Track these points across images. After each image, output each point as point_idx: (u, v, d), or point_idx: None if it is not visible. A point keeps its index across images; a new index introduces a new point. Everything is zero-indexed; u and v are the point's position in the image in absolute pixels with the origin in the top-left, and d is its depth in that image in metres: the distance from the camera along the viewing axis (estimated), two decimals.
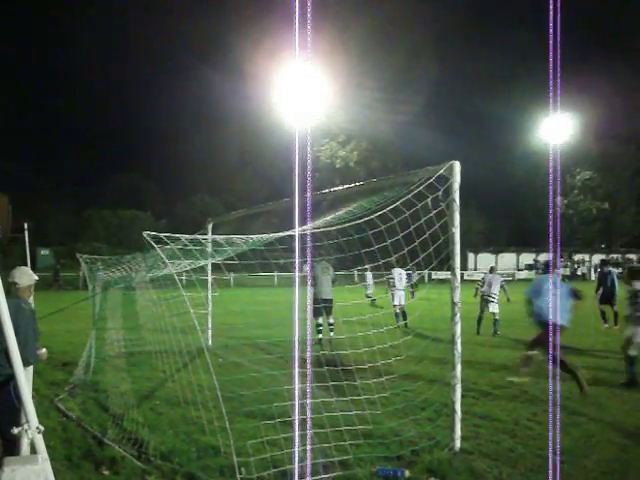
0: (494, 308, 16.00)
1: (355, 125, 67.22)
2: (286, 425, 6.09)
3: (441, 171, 5.95)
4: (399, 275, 17.10)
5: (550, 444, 5.79)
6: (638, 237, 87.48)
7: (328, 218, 7.27)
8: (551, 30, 4.91)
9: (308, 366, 4.78)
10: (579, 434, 6.57)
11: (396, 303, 16.78)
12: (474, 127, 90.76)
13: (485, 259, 75.65)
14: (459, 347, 6.13)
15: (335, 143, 68.25)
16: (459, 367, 6.14)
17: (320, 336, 13.13)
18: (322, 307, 12.90)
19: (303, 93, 41.05)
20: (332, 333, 13.11)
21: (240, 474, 5.15)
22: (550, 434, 6.16)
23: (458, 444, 6.14)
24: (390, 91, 71.13)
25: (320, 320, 13.26)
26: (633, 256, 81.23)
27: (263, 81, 53.16)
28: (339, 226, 6.85)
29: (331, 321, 13.31)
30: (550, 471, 5.14)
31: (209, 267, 12.83)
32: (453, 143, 68.92)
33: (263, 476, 5.22)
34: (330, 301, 13.17)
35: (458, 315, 6.17)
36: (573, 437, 6.51)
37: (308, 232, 6.37)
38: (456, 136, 77.06)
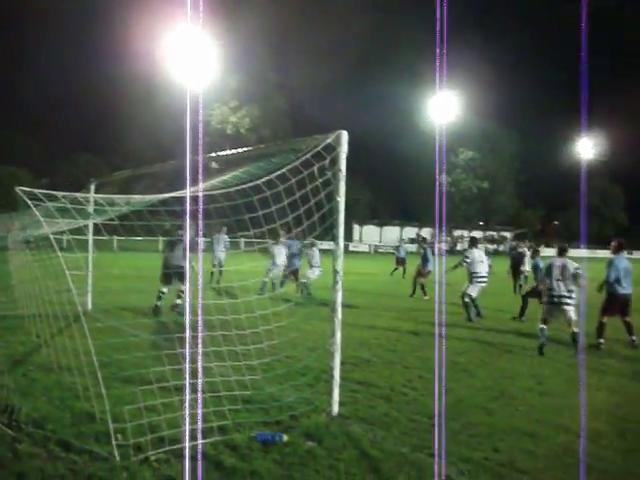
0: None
1: (248, 92, 66.51)
2: (164, 390, 6.01)
3: (329, 140, 5.97)
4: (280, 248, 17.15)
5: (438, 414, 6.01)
6: (513, 216, 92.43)
7: (214, 182, 7.15)
8: (438, 11, 5.01)
9: (187, 332, 4.72)
10: (450, 400, 6.86)
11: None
12: (365, 101, 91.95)
13: (370, 231, 77.48)
14: (339, 315, 6.23)
15: (227, 108, 67.20)
16: (339, 334, 6.24)
17: (159, 303, 12.54)
18: (173, 273, 12.47)
19: (194, 55, 40.16)
20: (179, 300, 12.65)
21: (116, 440, 5.03)
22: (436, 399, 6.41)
23: (336, 409, 6.27)
24: (284, 61, 70.97)
25: (165, 289, 12.72)
26: (508, 234, 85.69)
27: (153, 40, 51.33)
28: (223, 190, 6.75)
29: (182, 288, 12.60)
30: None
31: (90, 228, 12.31)
32: (344, 115, 69.69)
33: (140, 442, 5.11)
34: (181, 267, 12.34)
35: (340, 284, 6.25)
36: (444, 401, 6.80)
37: (199, 194, 6.25)
38: (348, 109, 77.95)
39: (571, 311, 10.26)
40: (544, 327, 10.30)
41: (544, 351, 10.06)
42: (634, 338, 10.98)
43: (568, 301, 10.27)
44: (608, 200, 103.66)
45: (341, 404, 6.39)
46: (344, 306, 6.64)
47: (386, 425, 6.03)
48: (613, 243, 11.74)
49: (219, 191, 6.73)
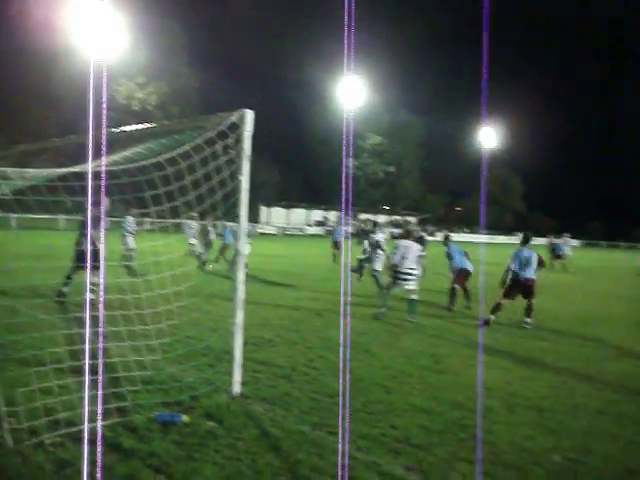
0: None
1: (156, 68, 64.69)
2: (61, 372, 5.82)
3: (232, 118, 5.90)
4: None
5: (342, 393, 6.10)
6: (418, 201, 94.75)
7: (115, 157, 6.92)
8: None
9: (86, 312, 4.59)
10: (351, 378, 6.99)
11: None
12: (276, 82, 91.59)
13: (277, 213, 77.47)
14: (241, 294, 6.21)
15: (133, 84, 65.16)
16: (240, 314, 6.23)
17: (65, 289, 11.73)
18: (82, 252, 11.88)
19: (100, 27, 38.73)
20: (92, 295, 12.01)
21: (9, 424, 4.84)
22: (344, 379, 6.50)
23: (237, 389, 6.27)
24: (194, 38, 69.56)
25: (74, 275, 12.09)
26: (412, 218, 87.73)
27: (55, 9, 49.03)
28: (124, 166, 6.55)
29: (94, 280, 11.91)
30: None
31: None
32: (254, 95, 69.19)
33: (34, 425, 4.95)
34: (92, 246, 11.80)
35: (241, 262, 6.23)
36: (345, 380, 6.92)
37: (101, 170, 6.06)
38: (258, 89, 77.44)
39: (414, 283, 11.88)
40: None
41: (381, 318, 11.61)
42: (529, 320, 11.75)
43: (411, 278, 11.83)
44: (507, 189, 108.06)
45: (242, 384, 6.39)
46: (249, 287, 6.64)
47: (287, 404, 6.09)
48: (521, 235, 12.83)
49: (120, 167, 6.53)
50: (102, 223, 10.94)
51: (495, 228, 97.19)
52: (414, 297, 11.73)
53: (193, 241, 23.19)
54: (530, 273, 11.91)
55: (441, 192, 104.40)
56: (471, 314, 12.92)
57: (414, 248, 12.02)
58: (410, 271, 11.82)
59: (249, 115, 6.04)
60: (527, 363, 8.65)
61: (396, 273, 11.90)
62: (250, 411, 5.81)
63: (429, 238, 24.14)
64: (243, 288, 6.24)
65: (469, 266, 14.15)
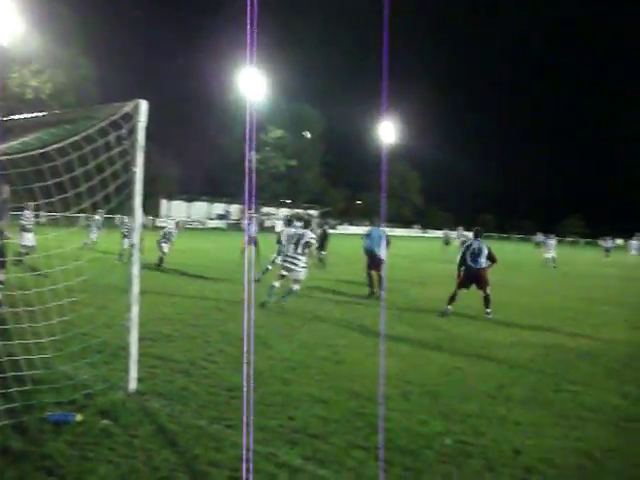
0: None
1: (51, 56, 61.91)
2: None
3: (126, 109, 5.76)
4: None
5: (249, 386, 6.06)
6: (319, 194, 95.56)
7: (2, 147, 6.60)
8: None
9: None
10: (250, 371, 6.98)
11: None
12: (178, 74, 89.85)
13: (178, 207, 76.20)
14: (136, 289, 6.08)
15: (27, 71, 62.12)
16: (135, 309, 6.10)
17: None
18: None
19: None
20: None
21: None
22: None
23: (133, 386, 6.14)
24: (95, 27, 67.16)
25: None
26: (314, 212, 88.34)
27: None
28: (10, 156, 6.26)
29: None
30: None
31: None
32: (154, 87, 67.70)
33: None
34: None
35: (136, 256, 6.10)
36: (242, 374, 6.90)
37: None
38: (158, 82, 75.76)
39: (300, 273, 12.31)
40: (276, 285, 12.28)
41: (267, 306, 11.92)
42: (488, 310, 12.61)
43: (297, 263, 12.23)
44: (406, 183, 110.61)
45: (139, 380, 6.27)
46: (148, 281, 6.51)
47: (184, 399, 6.02)
48: (473, 230, 13.76)
49: (5, 157, 6.23)
50: (6, 213, 10.35)
51: (395, 221, 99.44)
52: (295, 288, 12.31)
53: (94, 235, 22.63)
54: (480, 264, 12.73)
55: (342, 186, 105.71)
56: (370, 304, 13.19)
57: (305, 235, 12.36)
58: (296, 257, 12.22)
59: (143, 105, 5.91)
60: (423, 350, 8.93)
61: (284, 258, 12.61)
62: (146, 407, 5.71)
63: (331, 231, 24.59)
64: (138, 282, 6.11)
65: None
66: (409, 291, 16.18)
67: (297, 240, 12.30)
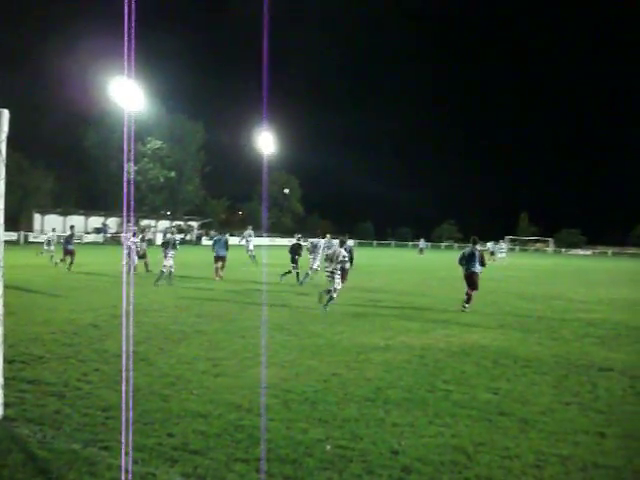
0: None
1: None
2: None
3: None
4: None
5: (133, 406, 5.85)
6: (199, 206, 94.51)
7: None
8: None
9: None
10: (127, 389, 6.77)
11: None
12: (50, 85, 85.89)
13: (53, 221, 72.87)
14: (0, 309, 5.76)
15: None
16: (0, 330, 5.79)
17: None
18: None
19: None
20: None
21: None
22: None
23: (0, 412, 5.81)
24: None
25: None
26: (194, 223, 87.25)
27: None
28: None
29: None
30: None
31: None
32: (24, 98, 64.38)
33: None
34: None
35: (0, 274, 5.78)
36: (120, 392, 6.68)
37: None
38: (28, 92, 72.12)
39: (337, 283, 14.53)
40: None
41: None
42: (467, 305, 15.20)
43: (334, 276, 14.46)
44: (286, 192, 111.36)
45: (7, 406, 5.96)
46: (17, 299, 6.17)
47: (57, 423, 5.75)
48: (471, 239, 15.99)
49: None
50: None
51: (276, 230, 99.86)
52: (335, 295, 14.46)
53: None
54: (474, 267, 15.27)
55: (222, 196, 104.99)
56: (251, 316, 13.15)
57: (340, 253, 14.65)
58: (334, 271, 14.50)
59: (5, 115, 5.63)
60: (303, 359, 8.99)
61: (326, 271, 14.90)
62: (15, 434, 5.42)
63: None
64: (2, 302, 5.79)
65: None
66: (290, 300, 16.25)
67: (334, 257, 14.59)
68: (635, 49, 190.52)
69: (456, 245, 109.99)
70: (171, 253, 19.72)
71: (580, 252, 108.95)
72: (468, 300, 15.21)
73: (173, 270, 19.60)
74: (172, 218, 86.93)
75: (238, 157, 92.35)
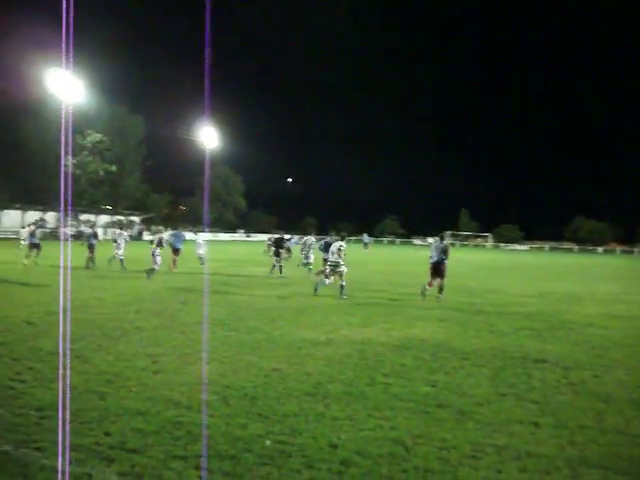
0: None
1: None
2: None
3: None
4: None
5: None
6: (141, 200, 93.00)
7: None
8: None
9: None
10: (63, 388, 6.62)
11: None
12: None
13: None
14: None
15: None
16: None
17: None
18: None
19: None
20: None
21: None
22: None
23: None
24: None
25: None
26: (136, 218, 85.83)
27: None
28: None
29: None
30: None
31: None
32: None
33: None
34: None
35: None
36: (56, 391, 6.53)
37: None
38: None
39: (343, 269, 16.94)
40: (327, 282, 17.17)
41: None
42: (440, 295, 16.84)
43: (340, 263, 16.91)
44: (229, 187, 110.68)
45: None
46: None
47: None
48: (439, 235, 18.28)
49: None
50: None
51: (218, 225, 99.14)
52: (344, 282, 16.92)
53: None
54: (439, 258, 17.08)
55: (164, 191, 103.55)
56: (192, 311, 13.02)
57: (341, 245, 17.08)
58: (338, 260, 16.94)
59: None
60: (243, 354, 8.95)
61: (329, 263, 17.26)
62: None
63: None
64: None
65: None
66: (231, 295, 16.15)
67: (336, 249, 16.95)
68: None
69: (398, 240, 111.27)
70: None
71: (518, 247, 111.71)
72: (440, 290, 16.94)
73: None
74: (113, 213, 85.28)
75: (181, 151, 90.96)
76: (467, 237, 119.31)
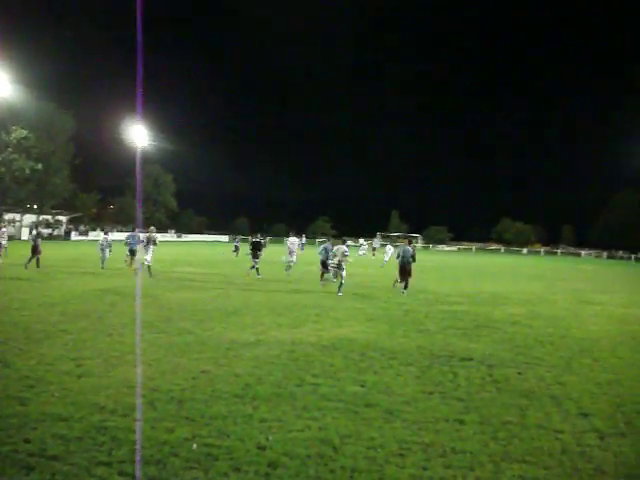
0: None
1: None
2: None
3: None
4: None
5: None
6: (68, 199, 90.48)
7: None
8: None
9: None
10: None
11: None
12: None
13: None
14: None
15: None
16: None
17: None
18: None
19: None
20: None
21: None
22: None
23: None
24: None
25: None
26: (63, 218, 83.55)
27: None
28: None
29: None
30: None
31: None
32: None
33: None
34: None
35: None
36: None
37: None
38: None
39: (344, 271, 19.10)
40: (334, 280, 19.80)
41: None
42: (404, 291, 19.36)
43: (342, 266, 19.08)
44: (160, 186, 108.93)
45: None
46: None
47: None
48: (407, 240, 21.46)
49: None
50: None
51: (148, 225, 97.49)
52: (344, 281, 19.05)
53: None
54: (408, 261, 19.55)
55: (93, 190, 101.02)
56: (122, 312, 12.75)
57: (344, 250, 19.19)
58: (340, 263, 19.14)
59: None
60: (172, 356, 8.83)
61: (333, 264, 19.65)
62: None
63: (80, 238, 24.09)
64: None
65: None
66: (162, 297, 15.90)
67: (340, 253, 19.04)
68: None
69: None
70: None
71: (446, 248, 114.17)
72: (405, 286, 19.58)
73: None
74: (39, 212, 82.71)
75: (110, 150, 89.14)
76: (397, 238, 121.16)
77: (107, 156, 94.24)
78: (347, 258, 19.20)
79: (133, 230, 26.78)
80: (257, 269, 24.20)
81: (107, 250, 25.87)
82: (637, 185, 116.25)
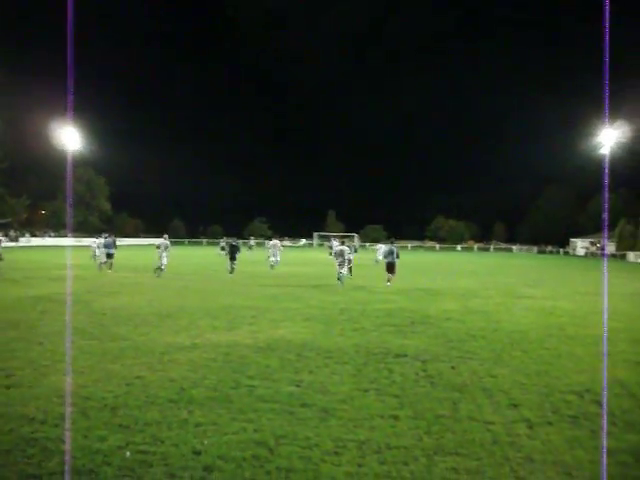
0: None
1: None
2: None
3: None
4: None
5: None
6: None
7: None
8: None
9: None
10: None
11: None
12: None
13: None
14: None
15: None
16: None
17: None
18: None
19: None
20: None
21: None
22: None
23: None
24: None
25: None
26: None
27: None
28: None
29: None
30: None
31: None
32: None
33: None
34: None
35: None
36: None
37: None
38: None
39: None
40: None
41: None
42: (389, 284, 22.25)
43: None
44: (93, 190, 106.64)
45: None
46: None
47: None
48: (389, 240, 22.58)
49: None
50: None
51: (82, 230, 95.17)
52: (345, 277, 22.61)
53: None
54: (393, 259, 22.68)
55: (23, 194, 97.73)
56: (49, 322, 12.43)
57: (348, 251, 22.56)
58: (343, 263, 22.15)
59: None
60: (105, 363, 8.68)
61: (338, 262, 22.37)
62: None
63: (10, 244, 23.32)
64: None
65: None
66: (96, 302, 15.58)
67: (344, 253, 22.02)
68: None
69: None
70: None
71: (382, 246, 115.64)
72: (389, 280, 22.55)
73: None
74: None
75: (40, 153, 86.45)
76: (334, 237, 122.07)
77: (37, 159, 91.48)
78: (347, 254, 22.25)
79: (109, 236, 28.76)
80: (233, 269, 27.34)
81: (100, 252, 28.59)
82: (561, 181, 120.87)
